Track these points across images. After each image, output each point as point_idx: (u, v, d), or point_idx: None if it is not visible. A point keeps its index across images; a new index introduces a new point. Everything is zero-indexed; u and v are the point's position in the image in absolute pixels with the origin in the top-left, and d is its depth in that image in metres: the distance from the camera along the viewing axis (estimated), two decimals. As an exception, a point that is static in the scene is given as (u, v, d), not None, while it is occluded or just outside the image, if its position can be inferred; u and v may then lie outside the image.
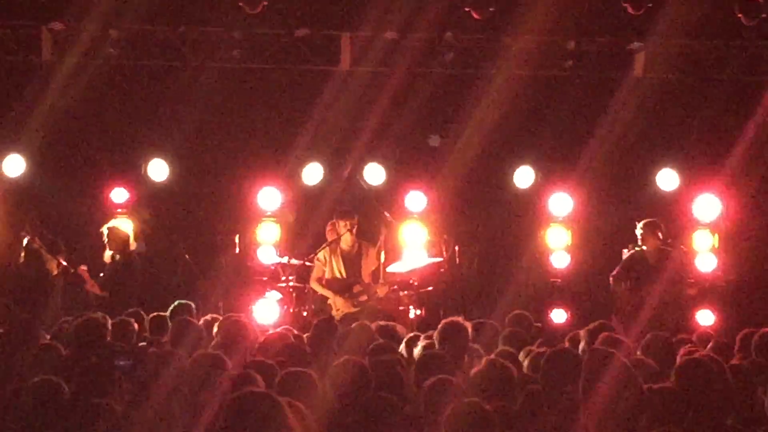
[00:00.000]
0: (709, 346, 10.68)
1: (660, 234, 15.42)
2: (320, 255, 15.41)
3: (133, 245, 15.45)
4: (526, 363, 9.57)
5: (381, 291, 15.25)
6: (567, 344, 10.62)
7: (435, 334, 10.09)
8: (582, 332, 10.48)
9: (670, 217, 16.32)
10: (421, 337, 10.74)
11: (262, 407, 5.80)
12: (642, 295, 15.20)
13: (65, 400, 7.12)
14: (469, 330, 10.01)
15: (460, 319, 10.17)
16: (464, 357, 9.65)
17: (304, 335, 11.44)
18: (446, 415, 6.83)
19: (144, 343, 11.00)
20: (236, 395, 5.89)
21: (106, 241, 15.35)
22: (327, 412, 7.18)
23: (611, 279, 15.60)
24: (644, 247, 15.49)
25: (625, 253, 16.35)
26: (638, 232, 15.48)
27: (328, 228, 15.76)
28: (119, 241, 15.30)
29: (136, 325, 11.64)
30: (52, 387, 7.15)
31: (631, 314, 14.96)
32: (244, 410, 5.77)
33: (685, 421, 7.22)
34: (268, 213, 16.37)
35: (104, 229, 15.39)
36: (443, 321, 10.14)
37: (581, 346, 10.08)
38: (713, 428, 7.11)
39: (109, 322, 10.64)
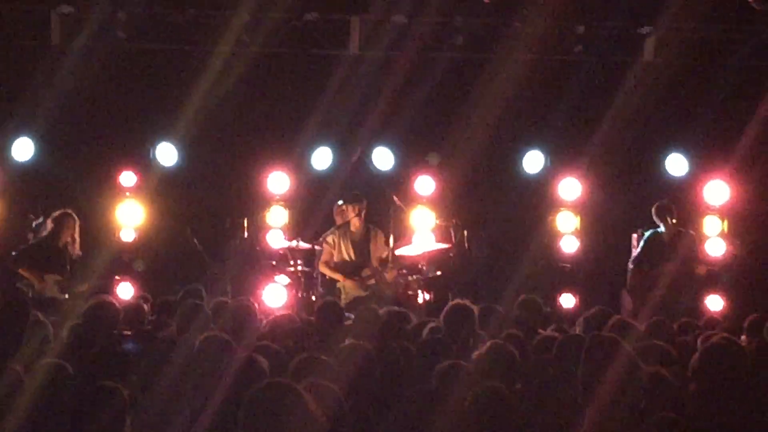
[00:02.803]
0: (717, 331, 10.68)
1: (675, 215, 15.46)
2: (329, 238, 15.39)
3: (73, 238, 15.05)
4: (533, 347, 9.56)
5: (389, 275, 15.22)
6: (577, 329, 10.62)
7: (441, 317, 10.08)
8: (581, 319, 10.46)
9: (679, 202, 16.30)
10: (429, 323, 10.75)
11: (283, 397, 5.82)
12: (659, 276, 15.21)
13: (71, 383, 7.13)
14: (476, 313, 10.01)
15: (466, 301, 10.17)
16: (470, 340, 9.65)
17: (312, 318, 11.45)
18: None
19: (150, 327, 10.99)
20: (259, 386, 5.90)
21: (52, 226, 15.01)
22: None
23: (631, 263, 15.58)
24: (660, 229, 15.49)
25: (635, 238, 16.37)
26: (654, 214, 15.47)
27: (335, 211, 15.75)
28: (60, 229, 14.98)
29: (146, 308, 11.68)
30: (58, 369, 7.15)
31: (649, 296, 14.97)
32: (265, 401, 5.78)
33: (698, 406, 7.21)
34: (277, 197, 16.38)
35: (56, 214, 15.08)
36: (450, 303, 10.14)
37: (577, 331, 10.08)
38: (726, 412, 7.10)
39: (120, 305, 10.66)
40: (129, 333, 10.33)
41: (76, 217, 14.93)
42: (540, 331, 10.63)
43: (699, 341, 9.46)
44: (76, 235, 14.93)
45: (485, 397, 6.97)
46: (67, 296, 14.41)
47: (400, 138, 16.70)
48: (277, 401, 5.80)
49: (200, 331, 9.05)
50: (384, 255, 15.44)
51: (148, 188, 16.37)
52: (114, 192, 16.29)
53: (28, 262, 14.80)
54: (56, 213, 14.92)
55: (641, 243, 15.65)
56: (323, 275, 15.59)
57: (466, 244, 16.59)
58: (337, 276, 15.33)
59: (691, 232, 15.86)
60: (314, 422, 5.95)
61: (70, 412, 6.79)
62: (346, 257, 15.33)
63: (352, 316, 11.26)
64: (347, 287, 15.20)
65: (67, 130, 16.49)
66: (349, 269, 15.28)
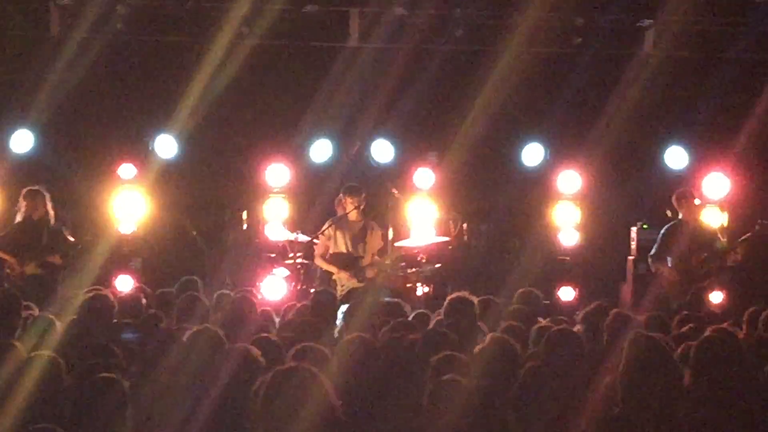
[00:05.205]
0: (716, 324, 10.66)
1: (695, 202, 15.00)
2: (325, 231, 15.30)
3: (48, 214, 14.87)
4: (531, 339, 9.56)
5: (386, 266, 15.13)
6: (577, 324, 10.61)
7: (442, 310, 10.08)
8: (580, 314, 10.44)
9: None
10: (434, 315, 10.75)
11: (303, 381, 5.83)
12: (686, 269, 14.85)
13: (68, 376, 7.15)
14: (476, 305, 10.01)
15: (467, 294, 10.16)
16: (472, 332, 9.64)
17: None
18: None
19: (149, 319, 10.98)
20: (279, 370, 5.91)
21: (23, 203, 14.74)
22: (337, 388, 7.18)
23: (650, 259, 15.12)
24: (680, 218, 15.04)
25: (635, 231, 16.36)
26: (674, 201, 14.99)
27: (337, 203, 15.72)
28: (33, 205, 14.78)
29: (144, 301, 11.67)
30: (51, 363, 7.16)
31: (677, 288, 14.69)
32: (285, 384, 5.78)
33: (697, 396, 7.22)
34: (276, 189, 16.37)
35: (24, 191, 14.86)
36: (450, 296, 10.13)
37: (576, 328, 10.07)
38: (723, 404, 7.09)
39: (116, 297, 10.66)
40: (128, 325, 10.33)
41: (46, 192, 14.77)
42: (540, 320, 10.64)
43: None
44: (50, 209, 14.75)
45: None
46: (44, 271, 14.34)
47: (399, 130, 16.70)
48: (297, 386, 5.81)
49: (199, 323, 9.08)
50: (381, 248, 15.38)
51: (147, 180, 16.34)
52: (113, 184, 16.26)
53: (5, 245, 14.66)
54: (26, 189, 14.79)
55: (659, 237, 15.12)
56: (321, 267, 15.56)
57: (466, 237, 16.60)
58: (331, 269, 15.22)
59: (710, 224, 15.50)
60: (331, 408, 5.96)
61: (70, 405, 6.79)
62: (343, 249, 15.24)
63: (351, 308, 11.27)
64: (343, 279, 15.15)
65: (66, 122, 16.49)
66: (345, 261, 15.21)
